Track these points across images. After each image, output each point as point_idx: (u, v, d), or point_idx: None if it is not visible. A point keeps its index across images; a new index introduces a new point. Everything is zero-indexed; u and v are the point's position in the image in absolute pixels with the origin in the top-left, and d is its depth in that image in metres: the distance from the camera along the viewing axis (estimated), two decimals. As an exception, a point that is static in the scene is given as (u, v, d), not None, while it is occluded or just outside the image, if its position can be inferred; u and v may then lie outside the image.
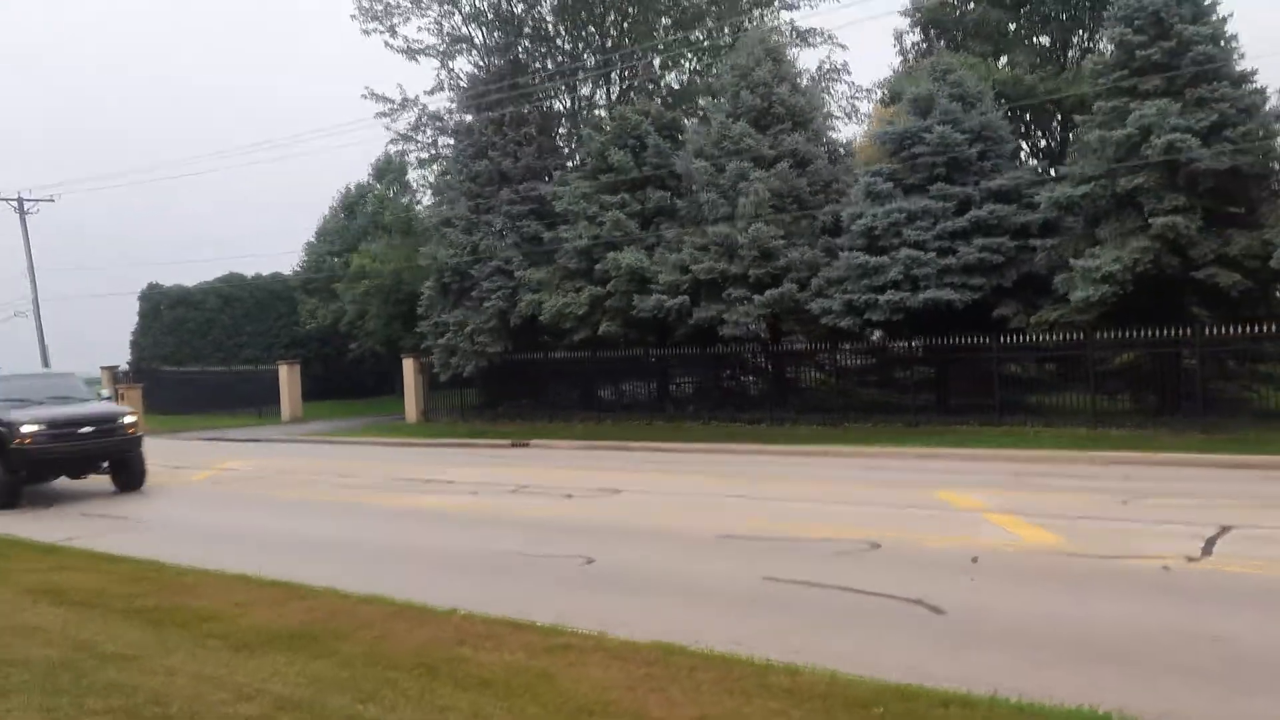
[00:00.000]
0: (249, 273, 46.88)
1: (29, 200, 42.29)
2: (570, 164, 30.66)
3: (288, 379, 36.30)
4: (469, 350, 28.54)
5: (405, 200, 44.43)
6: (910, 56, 32.92)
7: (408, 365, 32.37)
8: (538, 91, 30.17)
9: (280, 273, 47.47)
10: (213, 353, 43.37)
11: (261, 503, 15.79)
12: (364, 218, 42.56)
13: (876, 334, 22.65)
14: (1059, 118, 29.59)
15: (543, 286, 26.82)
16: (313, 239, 44.39)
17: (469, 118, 31.02)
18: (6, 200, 41.73)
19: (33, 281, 42.52)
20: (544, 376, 29.92)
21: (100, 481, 17.49)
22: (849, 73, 38.89)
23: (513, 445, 23.22)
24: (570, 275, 26.51)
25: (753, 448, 19.98)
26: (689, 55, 34.77)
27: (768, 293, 22.01)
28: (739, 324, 22.65)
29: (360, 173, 61.62)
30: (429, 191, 38.24)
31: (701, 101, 30.69)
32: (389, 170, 44.96)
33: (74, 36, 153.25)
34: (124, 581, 9.20)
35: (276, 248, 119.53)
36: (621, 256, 24.12)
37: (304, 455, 23.85)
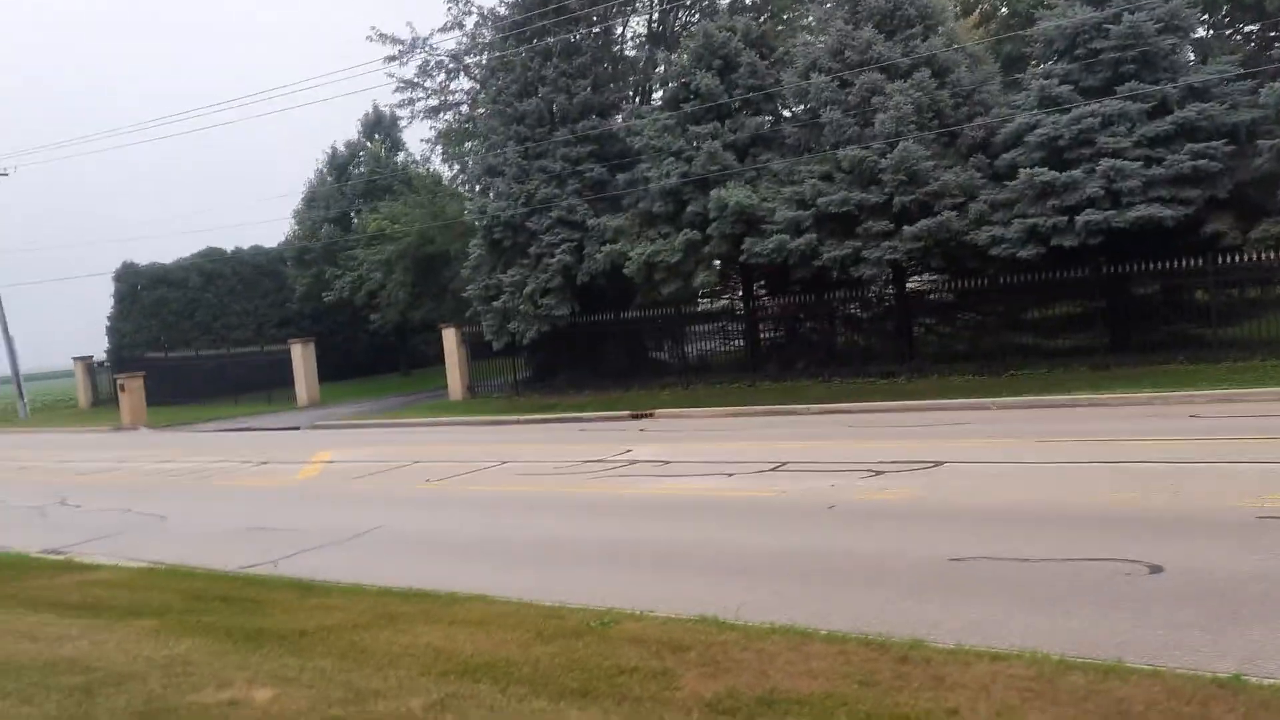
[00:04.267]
0: (228, 247, 42.65)
1: (-20, 175, 37.51)
2: (636, 96, 27.17)
3: (303, 359, 32.39)
4: (530, 314, 25.05)
5: (400, 157, 40.53)
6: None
7: (448, 336, 28.75)
8: (590, 15, 26.50)
9: (261, 245, 43.34)
10: (200, 335, 39.25)
11: (443, 501, 12.34)
12: (358, 179, 38.58)
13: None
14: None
15: (620, 235, 23.43)
16: (300, 206, 40.20)
17: (502, 51, 27.29)
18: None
19: (-9, 266, 37.80)
20: (615, 339, 26.57)
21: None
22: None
23: (633, 417, 19.89)
24: (652, 220, 23.14)
25: (947, 403, 16.94)
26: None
27: (919, 223, 18.90)
28: (880, 262, 19.51)
29: (347, 130, 57.07)
30: (437, 144, 34.38)
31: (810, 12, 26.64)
32: (379, 126, 40.90)
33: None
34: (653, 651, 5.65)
35: (254, 218, 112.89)
36: (727, 194, 20.77)
37: (385, 442, 20.27)
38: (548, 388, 27.01)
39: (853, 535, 8.21)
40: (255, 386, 34.31)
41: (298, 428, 26.38)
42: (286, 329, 38.66)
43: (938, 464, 10.92)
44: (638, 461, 13.37)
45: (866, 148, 19.47)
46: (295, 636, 6.20)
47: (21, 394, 38.70)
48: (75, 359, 39.66)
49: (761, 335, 24.84)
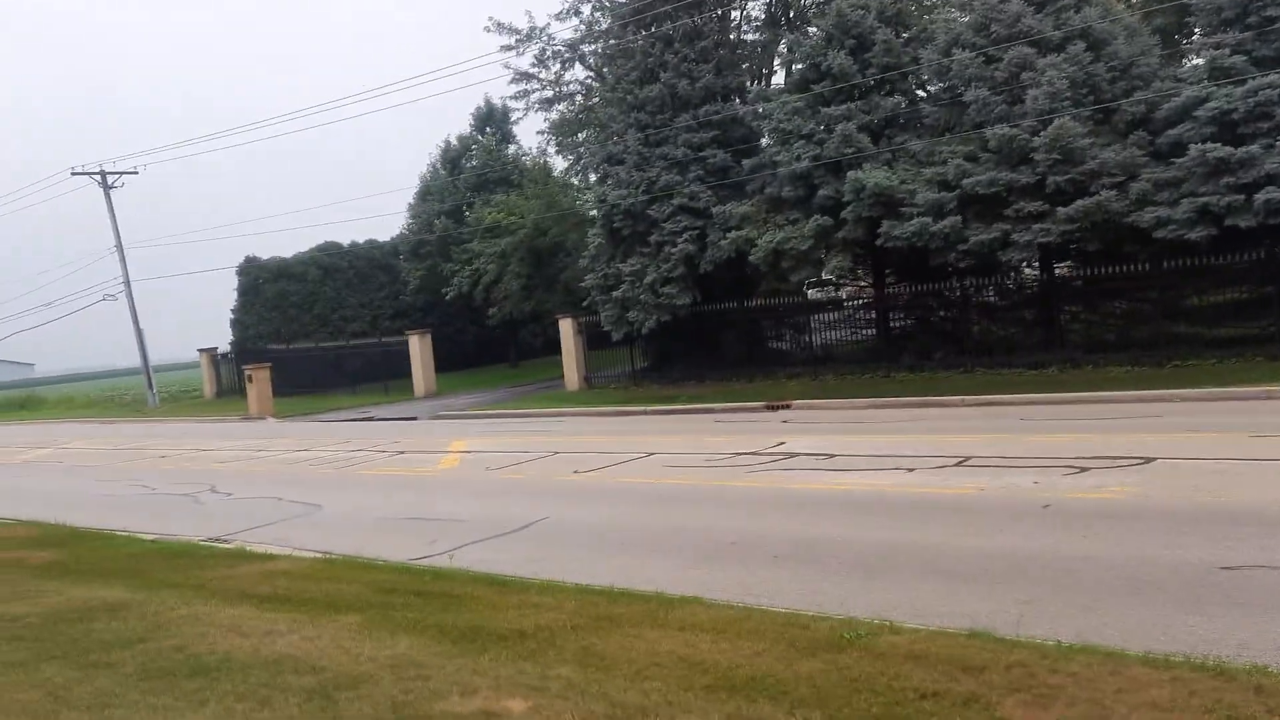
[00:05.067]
0: (345, 241, 43.31)
1: (111, 173, 38.75)
2: (755, 80, 26.52)
3: (420, 350, 32.63)
4: (650, 303, 24.65)
5: (510, 150, 40.56)
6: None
7: (565, 326, 28.57)
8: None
9: (376, 239, 43.94)
10: (318, 328, 39.94)
11: (599, 493, 12.00)
12: (470, 172, 38.73)
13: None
14: None
15: (746, 222, 22.83)
16: (414, 200, 40.60)
17: (620, 38, 26.91)
18: (89, 174, 38.18)
19: (122, 260, 39.14)
20: (735, 329, 26.03)
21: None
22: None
23: (768, 408, 19.31)
24: (780, 206, 22.50)
25: (1115, 394, 15.95)
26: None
27: (1075, 204, 17.86)
28: (1030, 246, 18.51)
29: (459, 125, 57.45)
30: (551, 135, 34.17)
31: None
32: (491, 119, 41.01)
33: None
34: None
35: (369, 212, 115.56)
36: (865, 176, 20.00)
37: (513, 433, 20.11)
38: (665, 378, 26.60)
39: (1080, 538, 7.52)
40: (372, 377, 34.75)
41: (416, 418, 26.49)
42: (400, 321, 39.11)
43: (1147, 460, 10.09)
44: (796, 454, 12.80)
45: (1016, 126, 18.49)
46: (516, 638, 5.84)
47: (151, 384, 39.93)
48: (200, 351, 40.78)
49: (892, 324, 24.00)
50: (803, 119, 21.86)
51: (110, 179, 38.58)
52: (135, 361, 40.31)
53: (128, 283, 39.35)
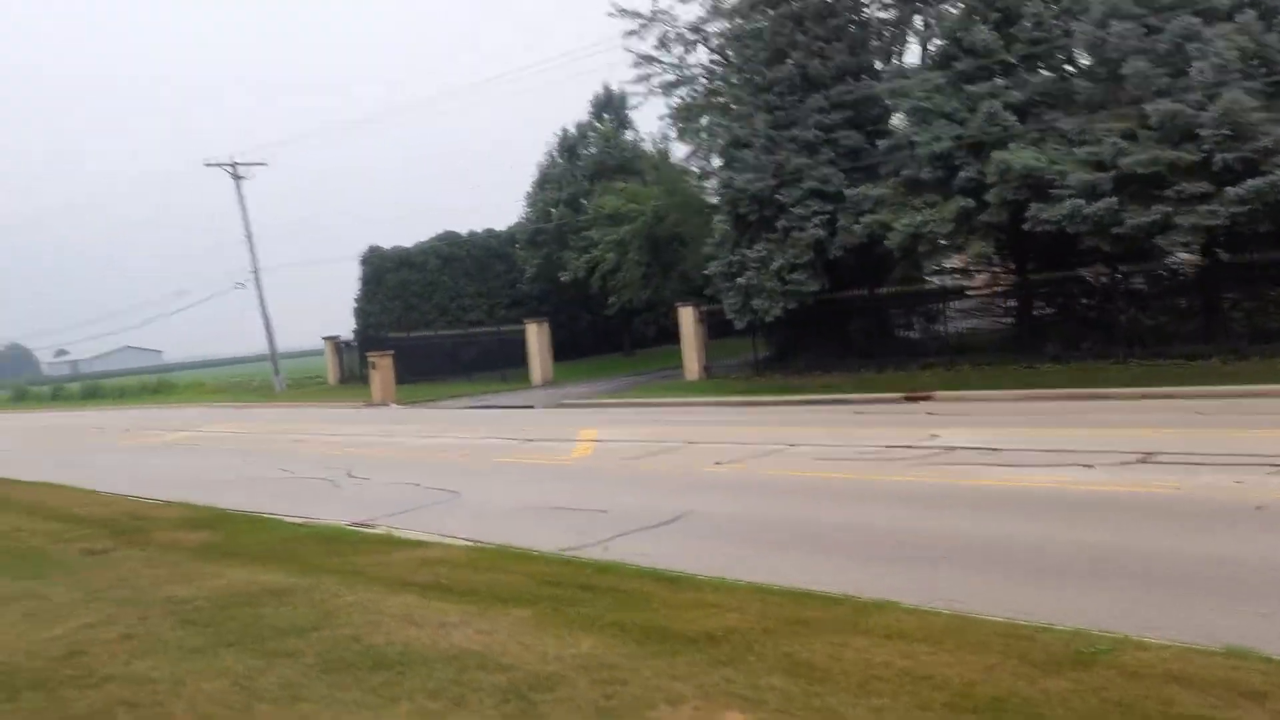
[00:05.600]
0: (463, 230, 43.80)
1: (242, 164, 39.98)
2: (892, 58, 25.59)
3: (537, 339, 32.69)
4: (776, 290, 24.00)
5: (629, 136, 40.31)
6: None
7: (685, 314, 28.16)
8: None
9: (493, 228, 44.29)
10: (437, 316, 40.47)
11: (746, 485, 11.57)
12: (588, 159, 38.63)
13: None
14: None
15: (880, 205, 21.99)
16: (531, 189, 40.72)
17: (745, 18, 26.25)
18: (220, 165, 39.47)
19: (251, 250, 40.37)
20: (862, 317, 25.23)
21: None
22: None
23: (907, 399, 18.57)
24: (918, 188, 21.59)
25: None
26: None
27: (1246, 184, 16.57)
28: (1195, 229, 17.27)
29: (576, 114, 57.56)
30: (673, 120, 33.72)
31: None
32: (609, 106, 40.81)
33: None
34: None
35: (487, 202, 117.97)
36: (1011, 156, 18.99)
37: (640, 422, 19.83)
38: (789, 368, 25.93)
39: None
40: (488, 365, 35.01)
41: (532, 406, 26.46)
42: (516, 310, 39.31)
43: None
44: (955, 448, 12.10)
45: (1180, 101, 17.26)
46: (705, 641, 5.44)
47: (278, 371, 41.12)
48: (325, 338, 41.79)
49: (1034, 313, 22.86)
50: (944, 97, 20.91)
51: (240, 170, 39.82)
52: (258, 348, 41.63)
53: (256, 272, 40.62)
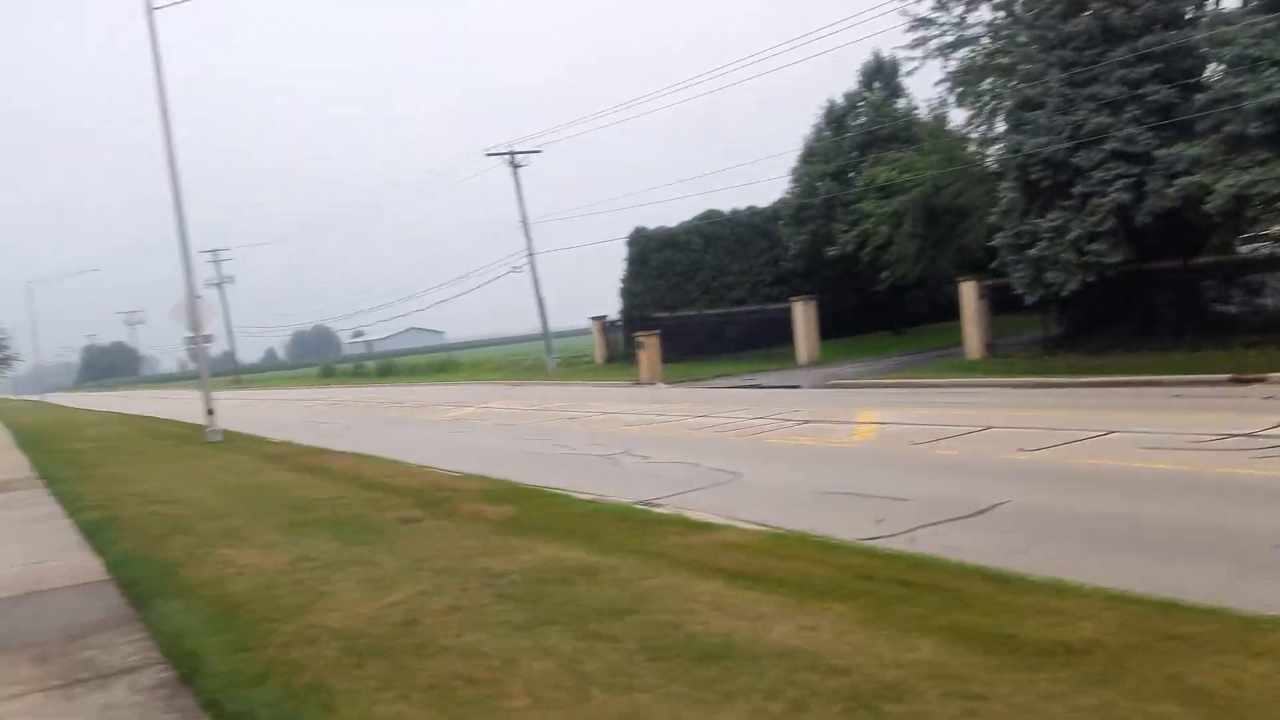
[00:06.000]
0: (725, 209, 43.73)
1: (519, 153, 41.90)
2: (1201, 3, 22.91)
3: (803, 317, 32.12)
4: (1073, 262, 22.07)
5: (900, 104, 38.60)
6: None
7: (966, 290, 26.64)
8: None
9: (756, 205, 43.91)
10: (700, 295, 40.70)
11: (1057, 474, 10.65)
12: (857, 130, 37.33)
13: None
14: None
15: (1197, 166, 19.66)
16: (797, 163, 39.95)
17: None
18: (500, 154, 41.56)
19: (526, 235, 42.32)
20: (1170, 291, 22.80)
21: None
22: None
23: (1233, 382, 16.56)
24: (1242, 145, 19.10)
25: None
26: None
27: None
28: None
29: (843, 84, 56.10)
30: (952, 85, 31.86)
31: None
32: (879, 74, 39.26)
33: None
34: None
35: (750, 178, 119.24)
36: (1368, 101, 16.36)
37: (921, 404, 18.95)
38: (1085, 347, 23.82)
39: None
40: (752, 344, 34.78)
41: (799, 386, 25.92)
42: (778, 288, 38.81)
43: None
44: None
45: None
46: (1064, 653, 4.80)
47: (550, 350, 42.92)
48: (592, 319, 43.17)
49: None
50: (1275, 42, 18.36)
51: (517, 159, 41.73)
52: (529, 328, 43.54)
53: (531, 255, 42.52)
